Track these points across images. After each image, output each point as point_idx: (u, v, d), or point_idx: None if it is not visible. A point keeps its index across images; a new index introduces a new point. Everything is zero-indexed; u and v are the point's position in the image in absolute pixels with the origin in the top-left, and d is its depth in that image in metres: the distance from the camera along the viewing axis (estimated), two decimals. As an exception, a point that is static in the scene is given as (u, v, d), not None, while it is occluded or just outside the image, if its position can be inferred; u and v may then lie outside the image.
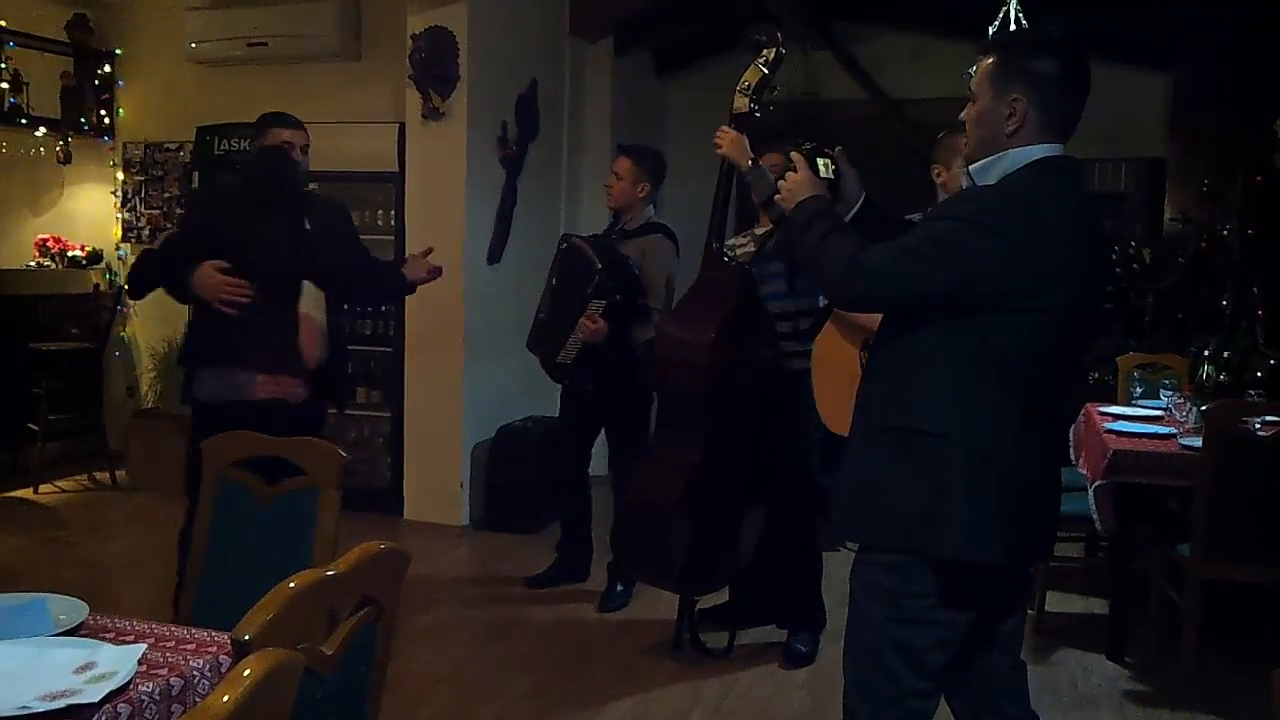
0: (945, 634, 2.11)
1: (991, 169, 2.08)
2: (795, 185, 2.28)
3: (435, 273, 3.72)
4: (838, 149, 2.38)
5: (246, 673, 1.01)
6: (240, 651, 1.17)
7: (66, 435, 6.20)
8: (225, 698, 0.95)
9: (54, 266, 6.65)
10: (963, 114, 2.17)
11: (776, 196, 2.33)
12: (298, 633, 1.28)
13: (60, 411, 5.98)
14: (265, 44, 5.92)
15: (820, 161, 2.33)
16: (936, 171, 3.37)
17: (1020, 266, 1.97)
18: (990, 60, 2.09)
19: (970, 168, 2.13)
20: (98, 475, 6.19)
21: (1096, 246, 2.16)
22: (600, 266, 4.09)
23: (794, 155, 2.33)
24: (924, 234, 2.06)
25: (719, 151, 3.48)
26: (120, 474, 6.13)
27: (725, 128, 3.46)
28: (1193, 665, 3.62)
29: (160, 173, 6.66)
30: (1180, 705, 3.50)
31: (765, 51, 3.34)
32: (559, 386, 4.55)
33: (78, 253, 6.71)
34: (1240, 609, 3.97)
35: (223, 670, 1.65)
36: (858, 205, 2.40)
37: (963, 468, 2.02)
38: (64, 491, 5.98)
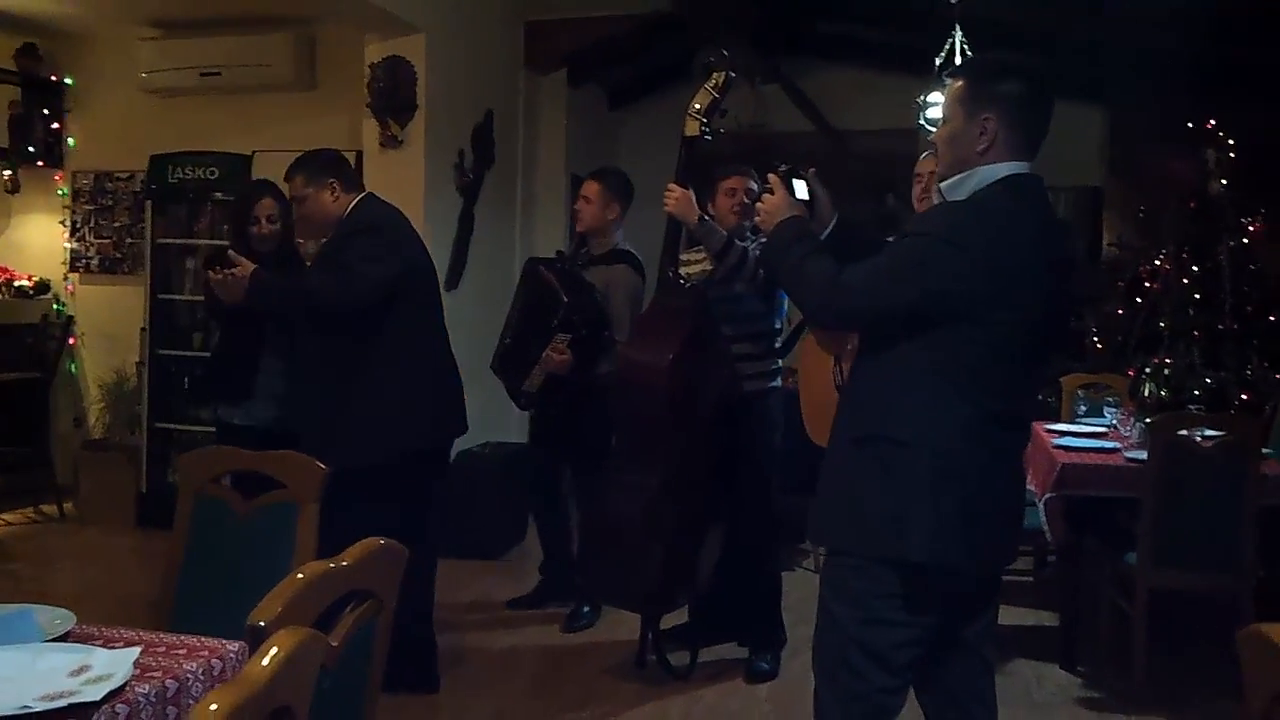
0: (909, 634, 2.18)
1: (962, 185, 2.16)
2: (773, 207, 2.32)
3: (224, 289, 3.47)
4: (810, 170, 2.40)
5: (275, 649, 1.04)
6: (256, 638, 1.19)
7: (13, 467, 6.08)
8: (264, 662, 0.98)
9: (1, 297, 6.55)
10: (932, 136, 2.27)
11: (756, 219, 2.38)
12: (307, 622, 1.30)
13: (6, 443, 5.87)
14: (219, 74, 5.93)
15: (796, 183, 2.35)
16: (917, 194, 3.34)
17: (987, 279, 2.05)
18: (960, 84, 2.19)
19: (942, 185, 2.22)
20: (45, 508, 6.07)
21: (1061, 260, 2.24)
22: (566, 300, 4.00)
23: (771, 177, 2.36)
24: (896, 251, 2.14)
25: (667, 209, 3.53)
26: (68, 506, 6.02)
27: (672, 184, 3.50)
28: (1143, 671, 3.73)
29: (110, 202, 6.61)
30: (1132, 709, 3.60)
31: (715, 75, 3.41)
32: (523, 411, 4.58)
33: (25, 283, 6.61)
34: (1187, 615, 4.10)
35: (215, 674, 1.66)
36: (831, 225, 2.41)
37: (927, 473, 2.09)
38: (10, 524, 5.86)
